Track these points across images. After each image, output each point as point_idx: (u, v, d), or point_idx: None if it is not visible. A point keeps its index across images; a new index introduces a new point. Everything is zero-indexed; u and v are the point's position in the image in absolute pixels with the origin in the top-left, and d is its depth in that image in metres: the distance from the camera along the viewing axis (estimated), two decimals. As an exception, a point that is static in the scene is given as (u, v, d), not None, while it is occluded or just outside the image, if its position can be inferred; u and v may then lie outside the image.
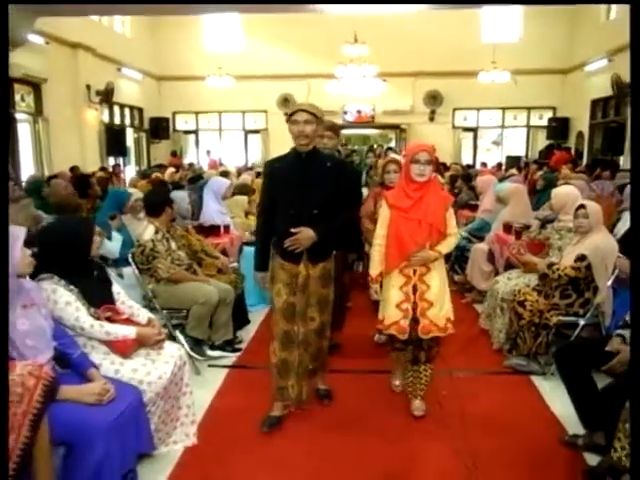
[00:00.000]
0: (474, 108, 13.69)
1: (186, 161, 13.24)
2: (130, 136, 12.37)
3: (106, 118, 11.19)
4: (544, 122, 13.46)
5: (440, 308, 2.58)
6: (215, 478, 2.23)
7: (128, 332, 2.16)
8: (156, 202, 3.32)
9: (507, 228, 4.25)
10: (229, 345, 3.49)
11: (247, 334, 3.77)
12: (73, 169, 8.67)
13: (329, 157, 2.75)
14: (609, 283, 2.97)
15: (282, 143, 11.67)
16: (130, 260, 3.14)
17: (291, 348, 2.59)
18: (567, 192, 3.53)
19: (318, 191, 2.53)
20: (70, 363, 2.02)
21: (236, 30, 12.81)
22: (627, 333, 2.21)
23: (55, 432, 1.71)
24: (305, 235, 2.48)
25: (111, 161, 11.27)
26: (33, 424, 1.59)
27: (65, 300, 2.09)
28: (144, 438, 2.02)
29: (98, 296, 2.24)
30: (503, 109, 13.73)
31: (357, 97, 12.59)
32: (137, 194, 4.12)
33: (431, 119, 13.51)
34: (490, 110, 13.78)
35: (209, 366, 3.25)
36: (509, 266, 3.95)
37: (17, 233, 1.84)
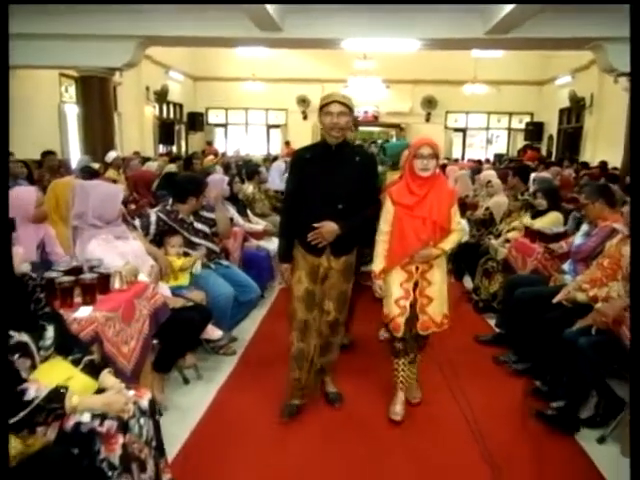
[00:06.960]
0: (463, 112, 15.64)
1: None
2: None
3: (157, 113, 13.62)
4: (523, 125, 15.22)
5: (440, 304, 2.57)
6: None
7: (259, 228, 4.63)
8: (250, 171, 5.78)
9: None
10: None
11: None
12: (137, 153, 11.06)
13: (358, 150, 2.70)
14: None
15: (299, 137, 14.36)
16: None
17: (309, 337, 2.62)
18: (486, 174, 5.96)
19: (345, 186, 2.47)
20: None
21: (264, 40, 14.97)
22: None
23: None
24: (328, 229, 2.45)
25: (160, 148, 13.70)
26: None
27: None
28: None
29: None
30: (488, 113, 15.66)
31: (364, 100, 14.44)
32: (217, 167, 6.61)
33: (427, 120, 15.41)
34: (477, 114, 15.71)
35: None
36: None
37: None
